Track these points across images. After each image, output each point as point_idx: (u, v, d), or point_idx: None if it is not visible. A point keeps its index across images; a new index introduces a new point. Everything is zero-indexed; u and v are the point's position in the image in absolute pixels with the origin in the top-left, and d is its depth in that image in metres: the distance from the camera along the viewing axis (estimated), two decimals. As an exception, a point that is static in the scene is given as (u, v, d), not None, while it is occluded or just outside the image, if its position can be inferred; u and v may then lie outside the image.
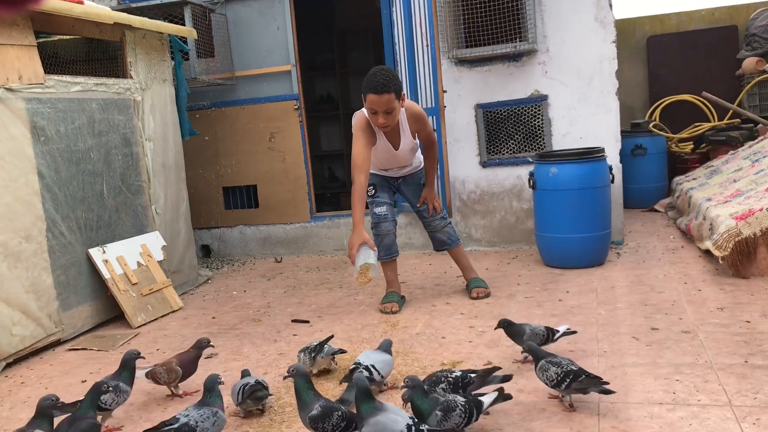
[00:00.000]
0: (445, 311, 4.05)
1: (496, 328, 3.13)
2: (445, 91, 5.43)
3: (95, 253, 4.33)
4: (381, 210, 4.27)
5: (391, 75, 3.78)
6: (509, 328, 3.08)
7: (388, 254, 4.30)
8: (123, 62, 4.79)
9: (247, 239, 6.41)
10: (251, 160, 6.27)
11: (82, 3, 4.22)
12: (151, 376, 3.03)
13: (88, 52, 4.96)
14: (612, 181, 4.91)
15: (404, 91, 4.16)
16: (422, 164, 4.37)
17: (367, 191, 4.13)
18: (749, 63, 7.21)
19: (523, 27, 5.23)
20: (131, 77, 4.79)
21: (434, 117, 5.25)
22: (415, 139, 4.16)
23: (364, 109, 3.99)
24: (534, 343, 2.80)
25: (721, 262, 4.21)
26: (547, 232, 4.88)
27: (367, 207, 3.97)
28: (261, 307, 4.53)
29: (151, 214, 4.93)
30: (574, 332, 3.19)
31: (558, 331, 3.11)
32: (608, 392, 2.50)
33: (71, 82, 4.26)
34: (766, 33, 7.23)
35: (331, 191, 8.85)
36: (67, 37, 4.83)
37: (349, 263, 5.67)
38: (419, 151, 4.32)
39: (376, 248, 3.78)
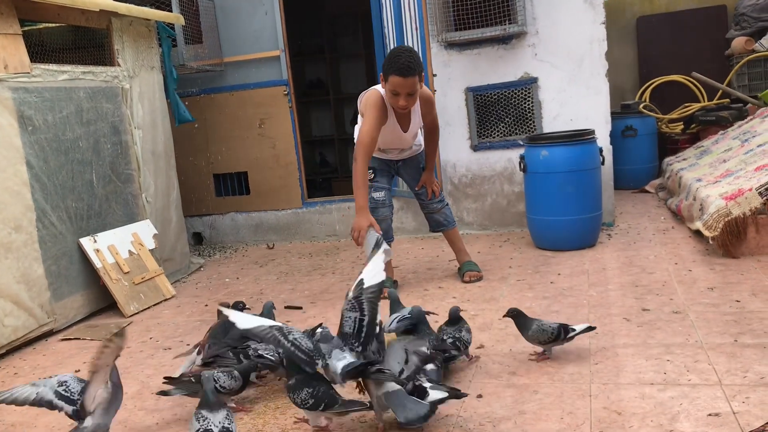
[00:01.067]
0: (437, 295, 4.06)
1: (504, 316, 2.96)
2: (435, 75, 5.42)
3: (86, 242, 4.31)
4: (379, 195, 4.25)
5: (416, 57, 3.75)
6: (517, 318, 2.92)
7: (384, 240, 4.28)
8: (110, 50, 4.76)
9: (239, 226, 6.40)
10: (242, 147, 6.25)
11: (67, -10, 4.18)
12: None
13: (75, 40, 4.92)
14: (602, 163, 4.91)
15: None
16: (422, 147, 4.35)
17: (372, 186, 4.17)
18: (738, 43, 7.21)
19: (512, 9, 5.20)
20: (119, 65, 4.76)
21: (424, 101, 5.23)
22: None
23: (378, 87, 3.94)
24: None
25: (711, 242, 4.23)
26: (538, 215, 4.89)
27: None
28: (254, 294, 4.53)
29: (142, 203, 4.91)
30: (593, 328, 2.96)
31: (574, 330, 2.88)
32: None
33: (58, 70, 4.22)
34: (755, 12, 7.22)
35: (322, 176, 8.84)
36: (53, 24, 4.79)
37: (342, 248, 5.69)
38: (420, 134, 4.30)
39: (380, 232, 3.75)
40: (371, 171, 4.22)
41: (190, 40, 5.75)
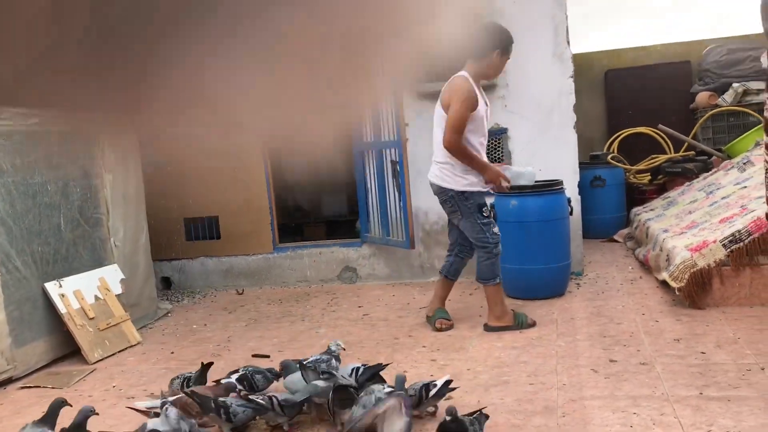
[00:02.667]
0: (407, 344, 4.04)
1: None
2: (407, 124, 5.49)
3: (51, 287, 4.24)
4: (497, 230, 4.16)
5: None
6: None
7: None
8: (83, 93, 4.74)
9: (209, 271, 6.34)
10: (214, 191, 6.23)
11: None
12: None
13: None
14: (571, 213, 4.98)
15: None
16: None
17: (483, 210, 4.10)
18: (702, 97, 7.43)
19: (483, 61, 5.30)
20: (91, 108, 4.74)
21: (396, 149, 5.29)
22: None
23: (466, 75, 4.00)
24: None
25: (677, 293, 4.29)
26: (508, 263, 4.91)
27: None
28: (221, 342, 4.47)
29: (110, 247, 4.86)
30: (451, 381, 2.98)
31: (436, 385, 2.87)
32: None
33: (28, 113, 4.20)
34: (718, 69, 7.47)
35: (294, 221, 8.82)
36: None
37: (313, 294, 5.66)
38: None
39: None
40: (490, 206, 4.26)
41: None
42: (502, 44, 4.03)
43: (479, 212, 4.09)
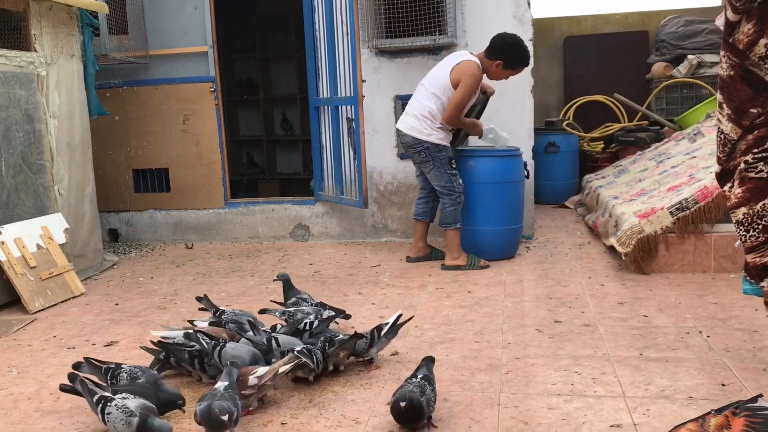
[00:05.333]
0: (356, 301, 4.04)
1: None
2: (364, 81, 5.41)
3: (-10, 234, 4.10)
4: (461, 182, 4.68)
5: None
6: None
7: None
8: (27, 34, 4.55)
9: (158, 224, 6.22)
10: (163, 143, 6.08)
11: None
12: None
13: (-12, 21, 4.69)
14: (527, 177, 5.01)
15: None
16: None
17: (452, 162, 4.64)
18: (658, 68, 7.50)
19: (443, 21, 5.25)
20: (35, 50, 4.55)
21: (353, 106, 5.22)
22: None
23: (476, 60, 4.51)
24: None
25: (624, 258, 4.37)
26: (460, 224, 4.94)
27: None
28: (168, 295, 4.40)
29: (54, 195, 4.70)
30: (405, 322, 3.08)
31: (387, 324, 2.98)
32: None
33: (-33, 52, 4.00)
34: (674, 40, 7.53)
35: (248, 177, 8.71)
36: (-35, 4, 4.54)
37: (264, 251, 5.61)
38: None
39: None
40: (454, 160, 4.70)
41: (114, 30, 5.56)
42: (506, 59, 4.54)
43: (449, 164, 4.62)
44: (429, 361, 2.60)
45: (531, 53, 5.34)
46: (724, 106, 2.39)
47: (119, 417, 2.25)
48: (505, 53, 4.52)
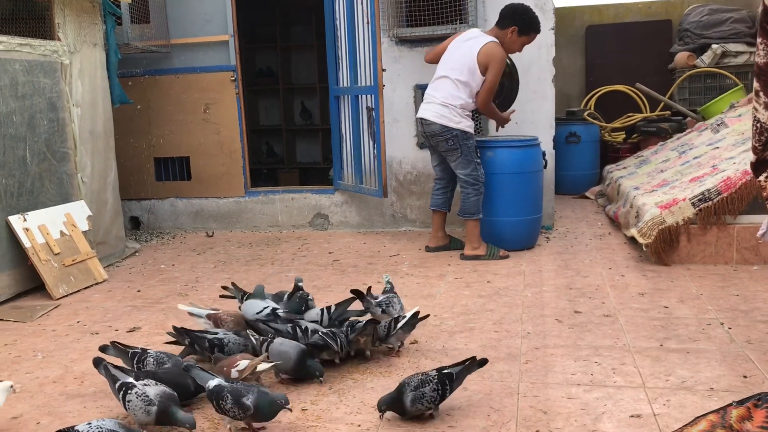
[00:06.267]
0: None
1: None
2: (384, 70, 5.40)
3: (15, 220, 4.16)
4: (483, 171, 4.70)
5: None
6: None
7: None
8: (51, 23, 4.59)
9: (179, 212, 6.27)
10: (185, 131, 6.12)
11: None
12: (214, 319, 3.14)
13: (14, 10, 4.73)
14: (545, 167, 4.99)
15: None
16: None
17: (477, 150, 4.66)
18: (681, 57, 7.41)
19: (464, 9, 5.23)
20: (59, 39, 4.60)
21: (373, 96, 5.22)
22: None
23: (497, 41, 4.53)
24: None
25: (644, 249, 4.34)
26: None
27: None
28: (189, 282, 4.44)
29: (77, 183, 4.76)
30: (422, 319, 3.04)
31: (405, 317, 2.98)
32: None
33: (-7, 40, 4.05)
34: (698, 29, 7.43)
35: (268, 167, 8.74)
36: (-10, -7, 4.59)
37: (284, 239, 5.64)
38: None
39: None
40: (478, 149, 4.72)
41: (136, 19, 5.59)
42: (520, 24, 4.54)
43: (475, 152, 4.64)
44: (473, 361, 2.46)
45: (552, 42, 5.34)
46: (761, 93, 2.35)
47: (139, 405, 2.28)
48: (518, 18, 4.55)
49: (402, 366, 2.87)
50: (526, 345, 3.04)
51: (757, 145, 2.42)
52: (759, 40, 2.35)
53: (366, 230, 5.85)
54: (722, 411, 1.90)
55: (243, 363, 2.56)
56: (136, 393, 2.30)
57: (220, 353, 2.82)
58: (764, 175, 2.41)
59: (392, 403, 2.36)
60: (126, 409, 2.33)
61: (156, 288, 4.33)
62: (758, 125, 2.38)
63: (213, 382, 2.32)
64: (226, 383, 2.32)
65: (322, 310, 3.14)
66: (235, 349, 2.83)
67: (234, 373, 2.53)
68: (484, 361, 2.49)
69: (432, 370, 2.42)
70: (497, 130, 5.06)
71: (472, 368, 2.47)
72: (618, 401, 2.44)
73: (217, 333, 2.89)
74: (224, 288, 3.55)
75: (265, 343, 2.79)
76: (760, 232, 2.53)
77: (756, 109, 2.38)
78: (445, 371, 2.40)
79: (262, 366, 2.58)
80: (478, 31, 4.67)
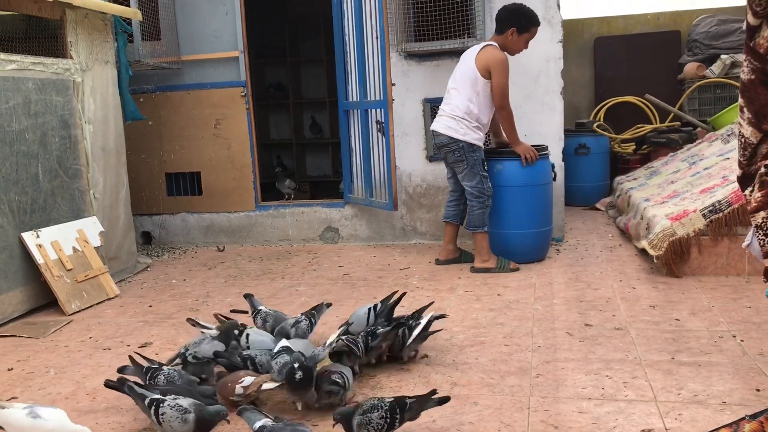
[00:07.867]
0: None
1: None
2: (393, 84, 5.44)
3: (28, 237, 4.20)
4: (490, 185, 4.72)
5: None
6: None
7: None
8: (63, 42, 4.65)
9: (190, 227, 6.31)
10: (195, 147, 6.16)
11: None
12: None
13: (27, 29, 4.80)
14: (554, 179, 4.99)
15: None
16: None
17: (484, 164, 4.67)
18: (690, 68, 7.41)
19: (471, 23, 5.26)
20: (71, 57, 4.65)
21: (382, 110, 5.25)
22: None
23: (496, 45, 4.57)
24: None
25: (655, 261, 4.32)
26: (490, 228, 4.92)
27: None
28: (200, 297, 4.46)
29: (89, 199, 4.80)
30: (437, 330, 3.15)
31: (419, 323, 3.03)
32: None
33: (6, 59, 4.10)
34: (707, 39, 7.43)
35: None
36: (4, 13, 4.66)
37: (294, 253, 5.65)
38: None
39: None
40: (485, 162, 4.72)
41: (147, 36, 5.66)
42: (517, 23, 4.56)
43: (481, 165, 4.66)
44: (431, 395, 2.32)
45: (561, 55, 5.35)
46: (745, 109, 2.36)
47: (174, 416, 2.30)
48: (514, 18, 4.58)
49: (412, 381, 2.87)
50: (537, 359, 3.03)
51: (742, 159, 2.42)
52: (743, 57, 2.37)
53: (376, 243, 5.86)
54: (735, 425, 1.89)
55: (248, 379, 2.57)
56: (169, 405, 2.32)
57: (254, 367, 2.82)
58: (749, 189, 2.42)
59: (344, 420, 2.26)
60: (160, 424, 2.34)
61: (167, 303, 4.36)
62: (743, 140, 2.39)
63: (258, 424, 2.21)
64: (269, 423, 2.20)
65: (369, 308, 3.22)
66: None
67: (238, 389, 2.53)
68: (445, 399, 2.33)
69: (389, 397, 2.31)
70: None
71: (428, 403, 2.31)
72: (629, 415, 2.43)
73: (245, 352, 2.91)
74: (232, 311, 3.59)
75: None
76: (745, 243, 2.53)
77: (740, 125, 2.39)
78: (399, 399, 2.27)
79: (268, 385, 2.58)
80: (477, 45, 4.71)
